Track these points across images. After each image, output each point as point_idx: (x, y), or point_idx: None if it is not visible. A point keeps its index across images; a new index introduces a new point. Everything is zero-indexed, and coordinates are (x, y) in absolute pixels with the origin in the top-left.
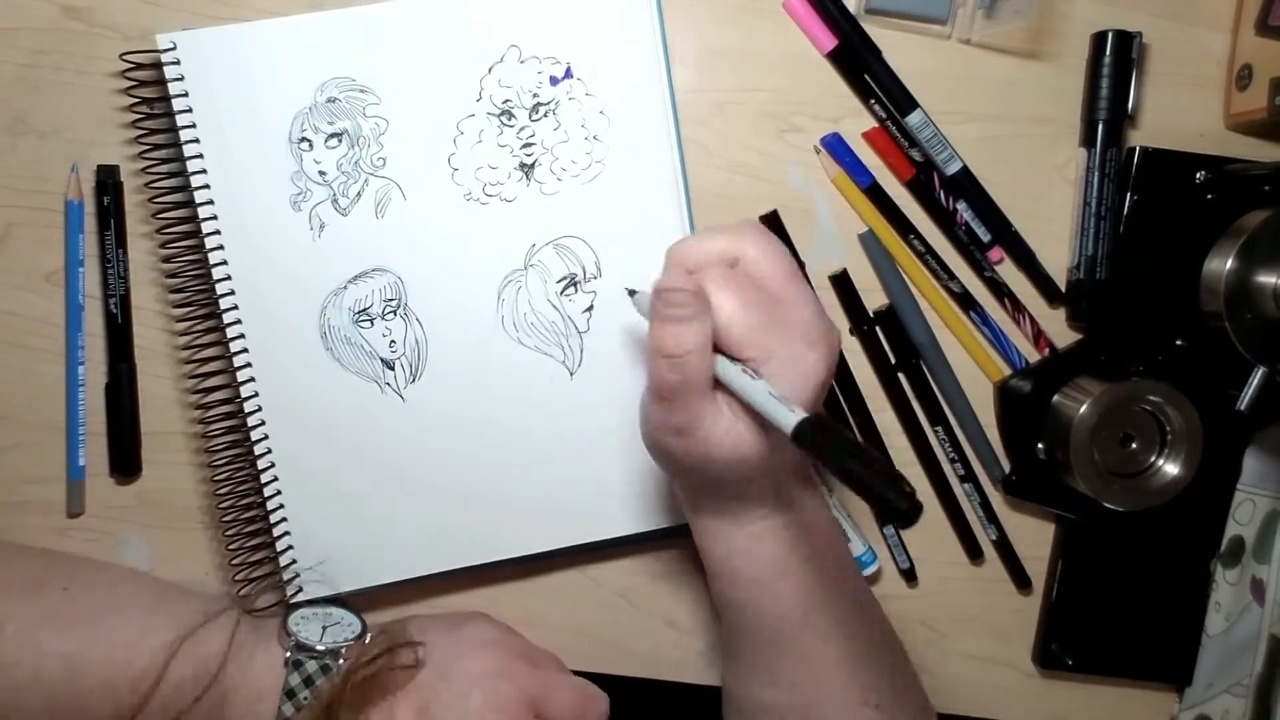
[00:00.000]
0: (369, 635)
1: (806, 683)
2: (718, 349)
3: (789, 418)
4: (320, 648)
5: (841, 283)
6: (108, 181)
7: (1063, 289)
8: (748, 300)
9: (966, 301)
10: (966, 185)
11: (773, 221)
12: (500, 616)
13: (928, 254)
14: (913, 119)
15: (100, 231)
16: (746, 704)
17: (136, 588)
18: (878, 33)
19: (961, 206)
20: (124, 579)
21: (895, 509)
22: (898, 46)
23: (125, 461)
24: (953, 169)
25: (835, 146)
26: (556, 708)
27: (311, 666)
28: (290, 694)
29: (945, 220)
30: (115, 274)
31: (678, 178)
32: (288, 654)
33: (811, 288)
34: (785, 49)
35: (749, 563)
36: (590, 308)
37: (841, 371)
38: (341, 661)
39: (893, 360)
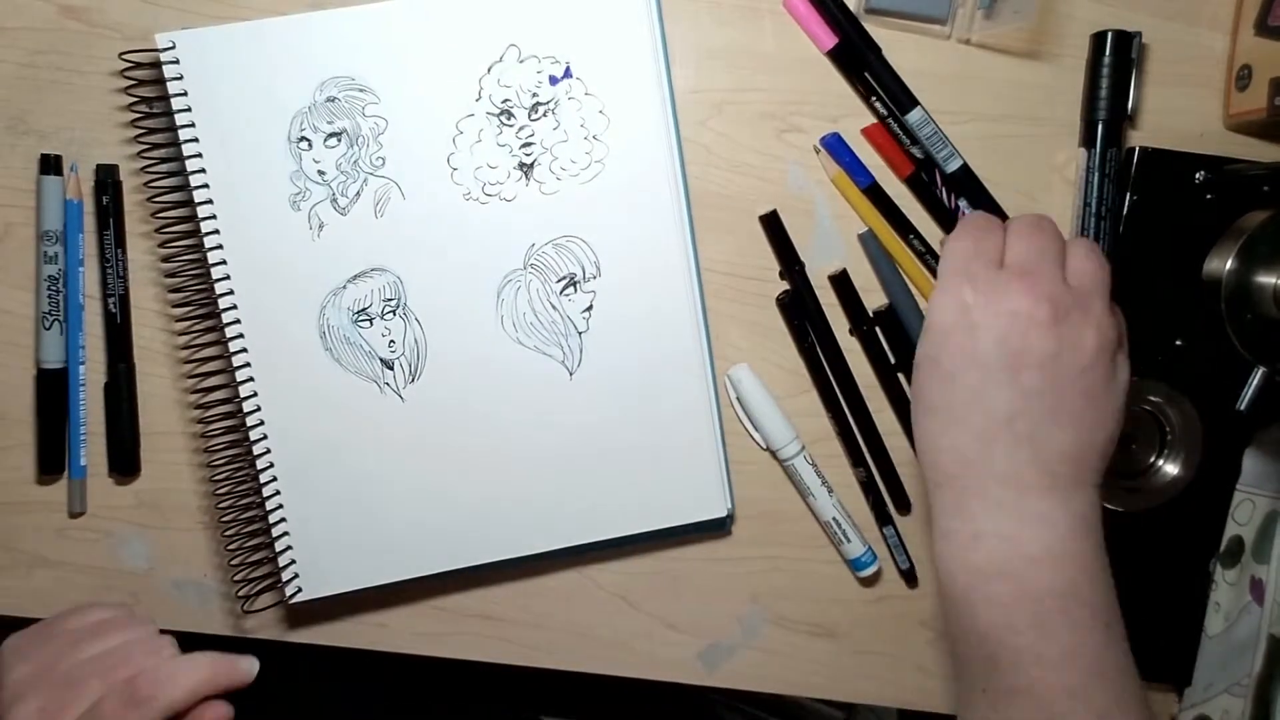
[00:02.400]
0: None
1: None
2: None
3: None
4: None
5: (841, 283)
6: (107, 181)
7: None
8: None
9: None
10: (967, 183)
11: (772, 222)
12: (500, 617)
13: (927, 254)
14: (913, 117)
15: (99, 231)
16: None
17: None
18: (878, 32)
19: (963, 204)
20: None
21: None
22: (897, 46)
23: (125, 461)
24: (953, 166)
25: (835, 146)
26: None
27: None
28: None
29: (947, 219)
30: (114, 273)
31: (677, 178)
32: None
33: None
34: (785, 49)
35: (942, 574)
36: (590, 307)
37: (842, 372)
38: None
39: (892, 360)
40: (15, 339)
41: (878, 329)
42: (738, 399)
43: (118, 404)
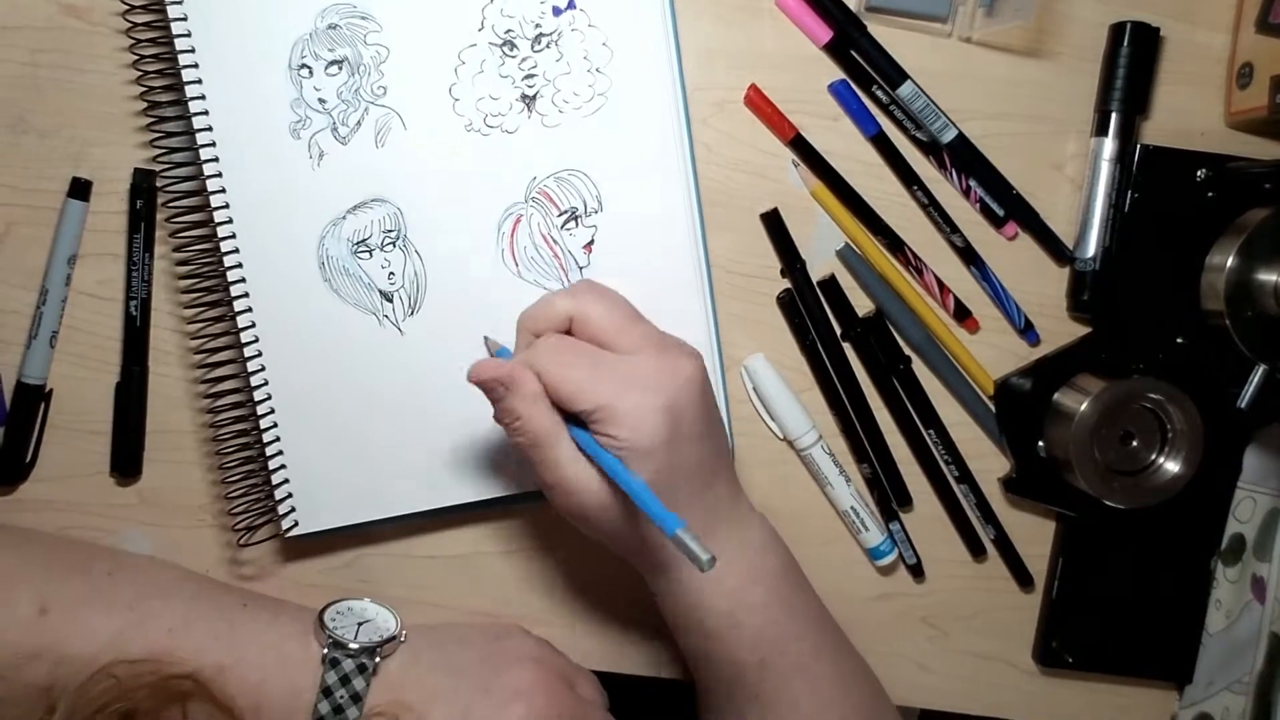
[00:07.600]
0: (404, 632)
1: None
2: (562, 410)
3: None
4: (354, 646)
5: (830, 289)
6: (142, 186)
7: (1070, 246)
8: (567, 361)
9: (969, 255)
10: (965, 153)
11: (773, 220)
12: (501, 616)
13: (930, 206)
14: (904, 91)
15: (130, 234)
16: None
17: (180, 575)
18: (878, 31)
19: (974, 183)
20: (167, 567)
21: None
22: (898, 45)
23: (128, 463)
24: (949, 137)
25: (843, 93)
26: None
27: (348, 665)
28: (327, 692)
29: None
30: (140, 277)
31: (679, 111)
32: (325, 650)
33: (655, 330)
34: (785, 47)
35: (697, 615)
36: (591, 242)
37: (843, 369)
38: (378, 659)
39: (883, 361)
40: (16, 338)
41: (868, 334)
42: (754, 390)
43: (127, 405)
